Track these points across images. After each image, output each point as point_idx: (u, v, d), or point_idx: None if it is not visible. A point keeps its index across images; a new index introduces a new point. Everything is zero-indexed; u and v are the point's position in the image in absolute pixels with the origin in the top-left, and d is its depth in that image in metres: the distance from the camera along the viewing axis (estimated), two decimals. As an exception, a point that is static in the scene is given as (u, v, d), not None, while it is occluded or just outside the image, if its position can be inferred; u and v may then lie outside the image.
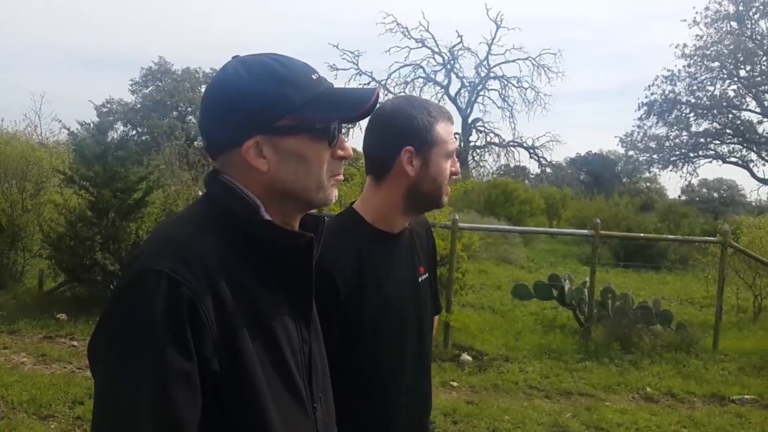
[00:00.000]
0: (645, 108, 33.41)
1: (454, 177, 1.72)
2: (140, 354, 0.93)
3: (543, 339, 7.55)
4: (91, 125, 8.06)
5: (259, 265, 1.09)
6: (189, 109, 36.45)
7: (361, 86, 35.25)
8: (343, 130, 1.18)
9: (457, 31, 44.37)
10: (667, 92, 32.88)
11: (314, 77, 1.12)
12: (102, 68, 62.77)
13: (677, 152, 33.29)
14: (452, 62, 36.78)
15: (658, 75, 33.06)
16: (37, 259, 8.68)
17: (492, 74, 37.03)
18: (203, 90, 1.14)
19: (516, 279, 10.94)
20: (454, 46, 36.40)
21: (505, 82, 36.93)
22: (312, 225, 1.21)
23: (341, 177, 1.18)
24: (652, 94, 33.14)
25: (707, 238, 10.92)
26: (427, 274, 1.81)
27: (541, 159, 37.18)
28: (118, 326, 0.97)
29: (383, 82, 35.67)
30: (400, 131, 1.62)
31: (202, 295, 0.98)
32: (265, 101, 1.07)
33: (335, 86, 1.16)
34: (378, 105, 1.74)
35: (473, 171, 35.31)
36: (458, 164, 1.74)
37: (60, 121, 25.80)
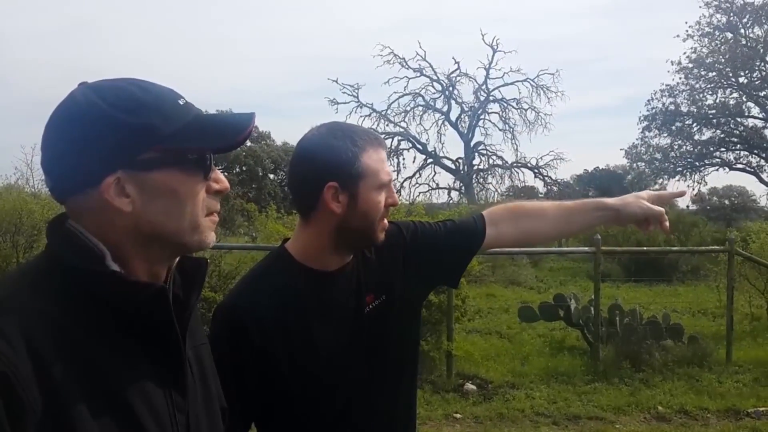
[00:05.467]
0: (646, 122, 33.31)
1: (391, 209, 1.55)
2: None
3: (550, 362, 7.31)
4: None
5: (106, 325, 0.93)
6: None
7: (361, 117, 35.59)
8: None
9: (453, 58, 44.57)
10: (667, 104, 32.78)
11: (181, 102, 0.99)
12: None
13: (683, 162, 33.07)
14: (451, 89, 36.94)
15: (656, 90, 33.04)
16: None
17: (491, 98, 37.15)
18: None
19: (524, 301, 10.72)
20: (451, 73, 36.61)
21: (505, 105, 37.02)
22: (193, 270, 1.06)
23: (218, 217, 1.04)
24: (652, 108, 33.07)
25: (713, 247, 10.71)
26: (381, 298, 1.56)
27: (546, 178, 37.04)
28: None
29: (384, 113, 35.84)
30: (322, 167, 1.44)
31: (19, 367, 0.82)
32: (126, 132, 0.92)
33: (208, 113, 1.03)
34: (302, 137, 1.60)
35: (479, 195, 35.23)
36: (396, 194, 1.54)
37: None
